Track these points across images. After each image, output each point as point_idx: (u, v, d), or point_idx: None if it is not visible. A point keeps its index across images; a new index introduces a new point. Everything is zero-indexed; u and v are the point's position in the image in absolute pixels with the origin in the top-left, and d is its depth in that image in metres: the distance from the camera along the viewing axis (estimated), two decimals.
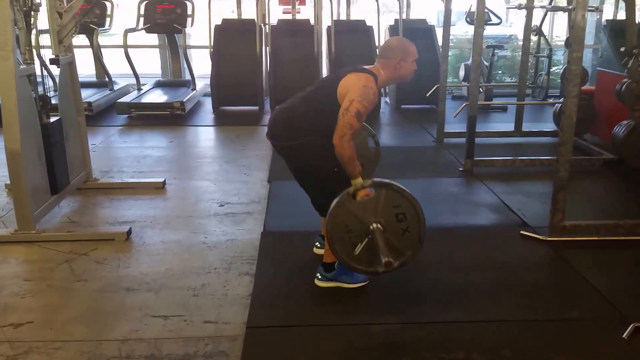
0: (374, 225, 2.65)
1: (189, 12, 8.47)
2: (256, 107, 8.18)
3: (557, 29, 9.46)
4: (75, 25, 4.30)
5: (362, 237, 2.69)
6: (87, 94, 8.20)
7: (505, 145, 6.21)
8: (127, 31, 8.12)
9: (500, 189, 4.68)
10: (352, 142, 2.80)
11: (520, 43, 10.64)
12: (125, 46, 8.18)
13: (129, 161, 5.70)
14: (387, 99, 8.66)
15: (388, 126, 7.45)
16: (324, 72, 8.66)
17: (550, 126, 7.00)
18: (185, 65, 8.76)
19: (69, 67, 4.48)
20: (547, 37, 8.64)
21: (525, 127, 6.43)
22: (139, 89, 8.61)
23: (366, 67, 2.97)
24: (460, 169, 5.22)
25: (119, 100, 7.73)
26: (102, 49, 8.78)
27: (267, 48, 8.35)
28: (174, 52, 9.28)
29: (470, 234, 3.83)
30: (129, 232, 3.84)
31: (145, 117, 7.59)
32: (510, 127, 6.54)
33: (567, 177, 3.50)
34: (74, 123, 4.61)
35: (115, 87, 8.77)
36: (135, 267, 3.42)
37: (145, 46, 9.71)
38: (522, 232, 3.75)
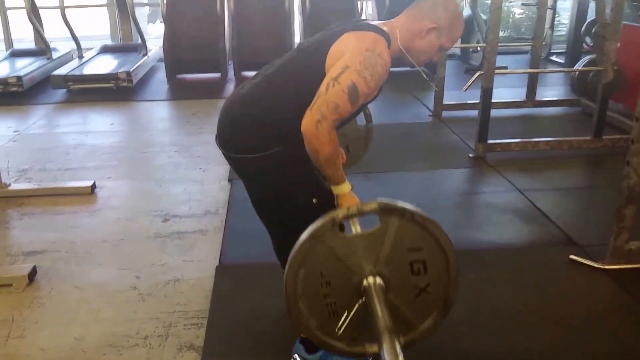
0: (371, 280, 1.56)
1: None
2: (218, 74, 7.02)
3: None
4: None
5: (348, 298, 1.59)
6: (18, 66, 6.98)
7: (517, 119, 5.18)
8: None
9: (526, 184, 3.67)
10: (335, 133, 1.71)
11: None
12: (62, 7, 6.92)
13: (56, 154, 4.56)
14: None
15: None
16: (297, 30, 7.48)
17: (561, 91, 6.01)
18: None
19: None
20: None
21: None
22: (81, 57, 7.37)
23: (375, 22, 1.87)
24: (470, 155, 4.19)
25: (54, 73, 6.50)
26: (40, 10, 7.50)
27: (229, 4, 7.12)
28: (123, 11, 7.99)
29: (502, 261, 2.81)
30: (32, 274, 2.77)
31: (86, 92, 6.40)
32: (519, 94, 5.51)
33: None
34: None
35: (57, 55, 7.52)
36: (33, 335, 2.37)
37: (87, 6, 8.35)
38: (571, 256, 2.75)
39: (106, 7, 8.60)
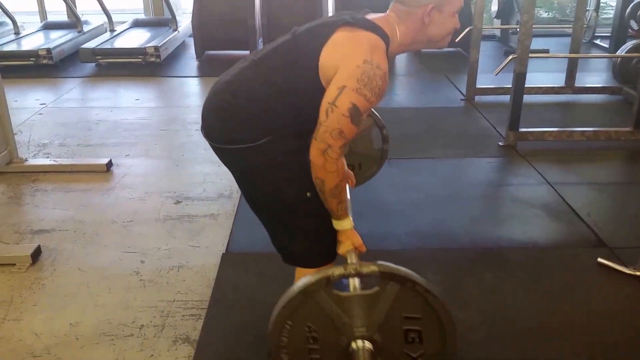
0: (359, 343, 1.47)
1: None
2: (247, 52, 6.87)
3: None
4: None
5: (334, 358, 1.52)
6: (49, 38, 6.99)
7: (554, 106, 4.91)
8: None
9: (557, 177, 3.45)
10: (342, 160, 1.61)
11: None
12: None
13: (78, 129, 4.52)
14: None
15: (404, 77, 6.13)
16: (329, 7, 7.27)
17: (603, 78, 5.68)
18: None
19: None
20: None
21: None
22: (112, 30, 7.34)
23: (372, 17, 1.70)
24: (500, 143, 3.97)
25: (82, 46, 6.48)
26: None
27: None
28: None
29: (523, 261, 2.63)
30: (36, 254, 2.72)
31: (114, 66, 6.37)
32: (557, 79, 5.22)
33: None
34: None
35: (88, 28, 7.50)
36: (29, 318, 2.31)
37: None
38: (599, 259, 2.56)
39: None
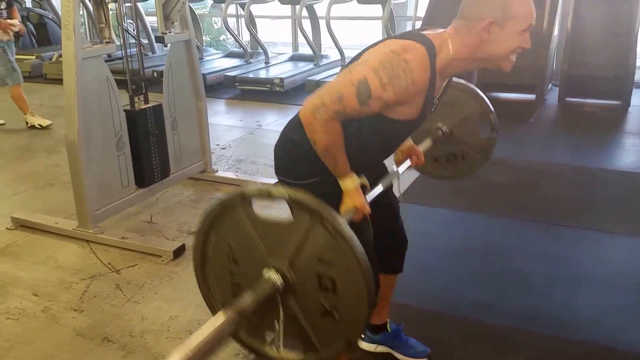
0: (270, 273, 1.39)
1: None
2: (532, 96, 6.39)
3: None
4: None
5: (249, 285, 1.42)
6: (286, 69, 7.84)
7: None
8: (332, 2, 7.48)
9: None
10: (336, 124, 1.59)
11: None
12: (328, 17, 7.57)
13: (272, 150, 5.04)
14: None
15: (632, 135, 5.44)
16: None
17: None
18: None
19: (185, 47, 3.91)
20: None
21: None
22: (342, 66, 7.94)
23: (427, 32, 1.66)
24: None
25: (308, 78, 7.17)
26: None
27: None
28: (391, 23, 8.33)
29: None
30: (179, 251, 3.19)
31: None
32: None
33: None
34: (190, 109, 4.06)
35: (325, 62, 8.23)
36: (146, 303, 2.75)
37: (358, 18, 8.96)
38: None
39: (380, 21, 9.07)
